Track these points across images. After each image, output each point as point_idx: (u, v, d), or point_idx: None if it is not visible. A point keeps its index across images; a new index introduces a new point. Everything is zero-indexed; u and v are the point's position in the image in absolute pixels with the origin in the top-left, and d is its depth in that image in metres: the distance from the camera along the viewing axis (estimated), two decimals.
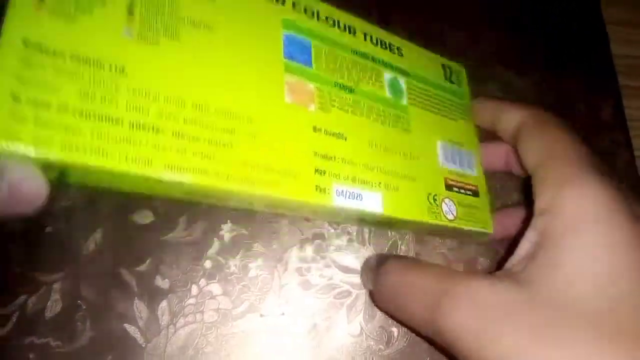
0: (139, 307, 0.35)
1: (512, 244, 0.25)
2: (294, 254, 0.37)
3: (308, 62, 0.30)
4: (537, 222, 0.23)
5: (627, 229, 0.20)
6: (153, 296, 0.35)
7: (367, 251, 0.38)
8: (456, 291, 0.22)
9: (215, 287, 0.36)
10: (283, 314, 0.36)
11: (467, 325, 0.21)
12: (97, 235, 0.36)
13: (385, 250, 0.38)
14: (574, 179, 0.22)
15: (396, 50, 0.35)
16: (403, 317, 0.27)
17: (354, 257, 0.38)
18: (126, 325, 0.34)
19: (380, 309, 0.31)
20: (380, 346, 0.36)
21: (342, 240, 0.38)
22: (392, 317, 0.28)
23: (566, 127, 0.27)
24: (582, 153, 0.24)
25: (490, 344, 0.20)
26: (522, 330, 0.20)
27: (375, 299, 0.30)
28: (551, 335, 0.19)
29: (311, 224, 0.38)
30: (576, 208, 0.21)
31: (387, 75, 0.34)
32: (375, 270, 0.29)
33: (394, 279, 0.27)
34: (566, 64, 0.46)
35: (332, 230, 0.38)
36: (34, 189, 0.20)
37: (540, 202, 0.23)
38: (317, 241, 0.38)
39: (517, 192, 0.42)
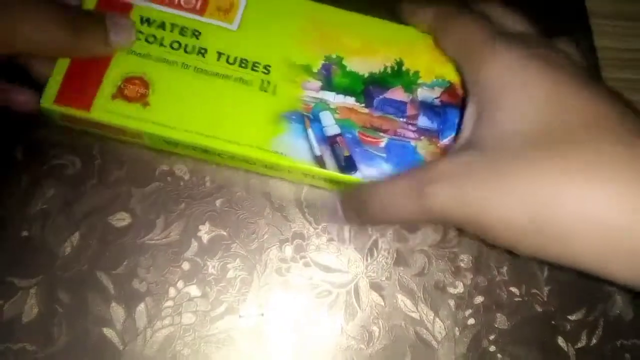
0: (116, 311, 0.34)
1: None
2: (273, 254, 0.37)
3: None
4: (471, 98, 0.28)
5: (541, 79, 0.25)
6: (130, 299, 0.35)
7: (348, 250, 0.37)
8: (431, 177, 0.26)
9: (193, 289, 0.35)
10: (262, 314, 0.35)
11: (449, 198, 0.25)
12: (74, 239, 0.36)
13: (366, 248, 0.38)
14: (492, 53, 0.27)
15: None
16: (398, 220, 0.32)
17: (335, 257, 0.37)
18: (103, 329, 0.34)
19: (376, 225, 0.34)
20: (362, 345, 0.35)
21: (322, 240, 0.38)
22: (387, 225, 0.33)
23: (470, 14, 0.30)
24: (490, 31, 0.28)
25: (468, 203, 0.24)
26: (482, 180, 0.24)
27: (368, 221, 0.33)
28: (500, 172, 0.24)
29: (291, 223, 0.37)
30: (498, 77, 0.26)
31: None
32: (357, 199, 0.31)
33: (378, 197, 0.29)
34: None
35: (312, 230, 0.38)
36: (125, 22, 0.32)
37: (468, 80, 0.29)
38: (297, 241, 0.37)
39: None
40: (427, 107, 0.34)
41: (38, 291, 0.34)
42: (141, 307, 0.35)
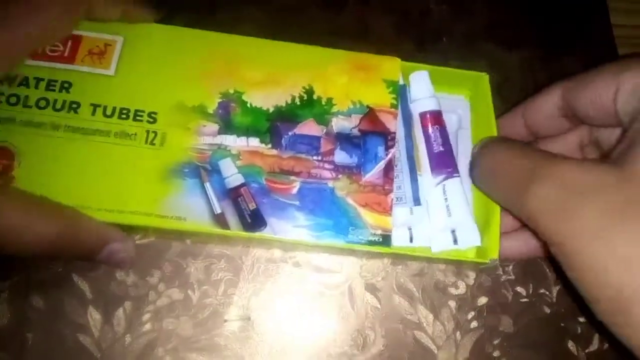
0: (93, 316, 0.32)
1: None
2: (260, 254, 0.34)
3: None
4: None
5: None
6: (108, 303, 0.33)
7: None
8: (545, 171, 0.22)
9: (175, 292, 0.33)
10: (249, 318, 0.33)
11: (549, 201, 0.21)
12: None
13: None
14: None
15: None
16: (496, 196, 0.27)
17: (327, 256, 0.35)
18: (79, 336, 0.32)
19: (479, 189, 0.29)
20: (355, 351, 0.33)
21: None
22: (488, 196, 0.28)
23: None
24: None
25: (570, 218, 0.20)
26: (606, 207, 0.20)
27: (474, 179, 0.30)
28: (636, 212, 0.19)
29: None
30: None
31: None
32: (477, 151, 0.29)
33: (490, 160, 0.27)
34: (561, 39, 0.43)
35: None
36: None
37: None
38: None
39: None
40: (344, 140, 0.30)
41: (10, 295, 0.32)
42: (119, 312, 0.32)
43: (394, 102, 0.31)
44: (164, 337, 0.32)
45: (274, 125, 0.30)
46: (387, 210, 0.29)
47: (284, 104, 0.30)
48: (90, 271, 0.33)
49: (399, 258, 0.34)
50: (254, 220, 0.28)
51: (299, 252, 0.34)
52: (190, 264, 0.34)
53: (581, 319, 0.35)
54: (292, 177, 0.29)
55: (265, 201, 0.28)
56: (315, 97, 0.30)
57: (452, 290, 0.35)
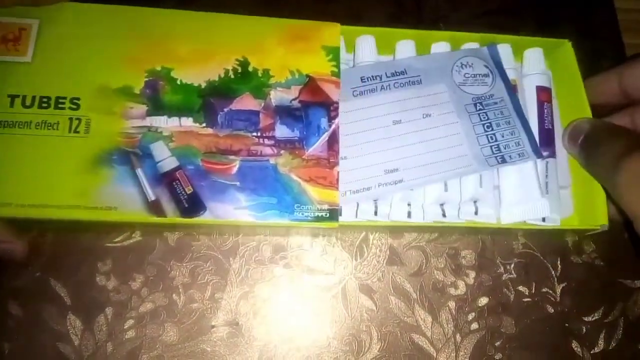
0: (73, 323, 0.31)
1: None
2: (249, 255, 0.33)
3: None
4: None
5: None
6: (88, 310, 0.31)
7: (334, 248, 0.33)
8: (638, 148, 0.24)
9: (159, 297, 0.31)
10: (238, 323, 0.31)
11: (637, 175, 0.24)
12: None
13: (355, 246, 0.33)
14: None
15: None
16: (592, 170, 0.29)
17: (319, 257, 0.33)
18: (59, 344, 0.30)
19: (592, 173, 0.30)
20: (350, 356, 0.31)
21: (305, 238, 0.33)
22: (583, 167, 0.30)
23: None
24: None
25: None
26: None
27: (591, 166, 0.30)
28: None
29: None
30: None
31: None
32: (591, 141, 0.29)
33: (594, 129, 0.28)
34: (562, 24, 0.41)
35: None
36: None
37: None
38: (277, 239, 0.33)
39: None
40: (284, 113, 0.28)
41: None
42: (101, 318, 0.31)
43: (335, 69, 0.29)
44: (148, 344, 0.31)
45: (208, 101, 0.28)
46: (333, 184, 0.27)
47: (217, 79, 0.28)
48: (69, 276, 0.31)
49: (499, 233, 0.34)
50: (192, 205, 0.26)
51: (289, 252, 0.33)
52: (174, 267, 0.32)
53: (586, 318, 0.33)
54: (231, 157, 0.27)
55: (203, 184, 0.26)
56: (250, 69, 0.28)
57: (452, 291, 0.33)
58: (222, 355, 0.31)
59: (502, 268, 0.34)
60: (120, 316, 0.31)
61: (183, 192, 0.26)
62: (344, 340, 0.32)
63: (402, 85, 0.31)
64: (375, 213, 0.29)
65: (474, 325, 0.33)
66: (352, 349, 0.32)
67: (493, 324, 0.33)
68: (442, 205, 0.30)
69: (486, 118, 0.31)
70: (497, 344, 0.32)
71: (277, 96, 0.28)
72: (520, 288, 0.34)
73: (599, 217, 0.29)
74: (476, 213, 0.30)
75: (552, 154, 0.31)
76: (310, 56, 0.29)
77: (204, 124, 0.27)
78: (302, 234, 0.33)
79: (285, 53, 0.29)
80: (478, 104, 0.31)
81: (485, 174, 0.30)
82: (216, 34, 0.29)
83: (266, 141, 0.27)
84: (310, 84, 0.29)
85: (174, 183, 0.26)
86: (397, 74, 0.31)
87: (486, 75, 0.32)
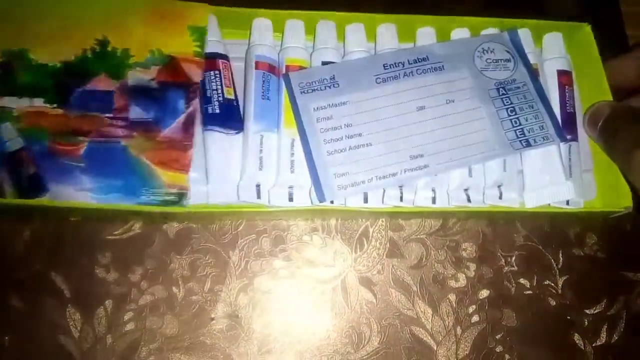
0: (73, 316, 0.31)
1: None
2: (249, 248, 0.33)
3: None
4: None
5: None
6: (88, 303, 0.31)
7: (334, 241, 0.33)
8: None
9: (158, 290, 0.31)
10: (237, 316, 0.31)
11: None
12: (26, 235, 0.32)
13: (355, 238, 0.33)
14: None
15: None
16: (611, 153, 0.29)
17: (319, 249, 0.33)
18: (59, 336, 0.30)
19: (611, 156, 0.30)
20: (350, 349, 0.31)
21: (304, 230, 0.33)
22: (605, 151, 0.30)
23: None
24: None
25: None
26: None
27: (610, 150, 0.30)
28: None
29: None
30: None
31: None
32: (609, 126, 0.29)
33: (608, 130, 0.29)
34: (565, 16, 0.40)
35: (293, 220, 0.33)
36: None
37: None
38: (276, 232, 0.33)
39: None
40: (140, 94, 0.28)
41: None
42: (100, 311, 0.31)
43: (198, 49, 0.29)
44: (148, 336, 0.31)
45: (62, 82, 0.27)
46: (184, 167, 0.27)
47: (73, 59, 0.28)
48: (69, 269, 0.31)
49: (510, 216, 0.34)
50: (32, 186, 0.26)
51: (288, 245, 0.33)
52: (174, 260, 0.32)
53: (588, 311, 0.33)
54: (80, 138, 0.27)
55: (47, 165, 0.26)
56: (109, 49, 0.28)
57: (452, 283, 0.33)
58: (222, 347, 0.31)
59: (503, 260, 0.34)
60: (120, 308, 0.31)
61: (25, 173, 0.26)
62: (343, 333, 0.32)
63: (424, 71, 0.31)
64: (401, 199, 0.29)
65: (475, 318, 0.32)
66: (352, 341, 0.31)
67: (494, 316, 0.33)
68: (466, 190, 0.30)
69: (509, 103, 0.31)
70: (498, 336, 0.32)
71: (134, 76, 0.28)
72: (522, 280, 0.33)
73: (623, 200, 0.29)
74: (500, 197, 0.30)
75: (575, 138, 0.31)
76: (174, 36, 0.28)
77: (55, 105, 0.27)
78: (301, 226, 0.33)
79: (147, 32, 0.28)
80: (501, 89, 0.31)
81: (509, 159, 0.30)
82: (78, 13, 0.28)
83: (119, 122, 0.27)
84: (170, 64, 0.28)
85: (18, 164, 0.26)
86: (419, 60, 0.31)
87: (508, 60, 0.32)
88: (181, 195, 0.27)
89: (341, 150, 0.29)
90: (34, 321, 0.30)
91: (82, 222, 0.32)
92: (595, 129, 0.30)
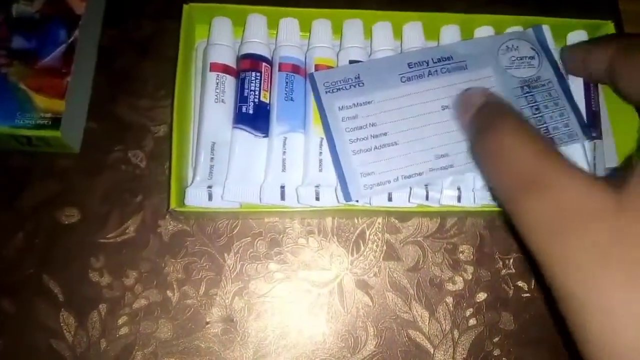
0: (67, 320, 0.30)
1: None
2: (244, 251, 0.32)
3: None
4: None
5: None
6: (82, 307, 0.31)
7: (330, 244, 0.33)
8: (546, 181, 0.20)
9: (153, 293, 0.31)
10: (233, 320, 0.31)
11: (540, 221, 0.19)
12: (17, 239, 0.31)
13: (352, 241, 0.33)
14: None
15: None
16: (492, 180, 0.24)
17: (315, 252, 0.33)
18: (52, 341, 0.30)
19: (474, 160, 0.27)
20: (346, 353, 0.31)
21: (301, 233, 0.33)
22: (482, 172, 0.26)
23: None
24: None
25: (560, 243, 0.19)
26: (596, 241, 0.18)
27: (474, 150, 0.26)
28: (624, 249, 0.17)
29: (264, 215, 0.33)
30: None
31: None
32: (483, 118, 0.26)
33: (499, 139, 0.23)
34: (564, 14, 0.40)
35: (289, 222, 0.33)
36: None
37: None
38: (272, 235, 0.33)
39: None
40: (23, 25, 0.31)
41: None
42: (94, 315, 0.31)
43: None
44: (142, 340, 0.30)
45: None
46: (60, 94, 0.30)
47: None
48: (62, 272, 0.31)
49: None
50: None
51: (284, 248, 0.32)
52: (168, 263, 0.32)
53: None
54: None
55: None
56: None
57: (449, 286, 0.33)
58: (217, 351, 0.30)
59: (500, 263, 0.33)
60: (114, 312, 0.31)
61: None
62: (339, 337, 0.31)
63: (448, 70, 0.30)
64: (427, 198, 0.29)
65: (472, 321, 0.32)
66: (348, 345, 0.31)
67: (491, 319, 0.32)
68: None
69: (534, 101, 0.30)
70: (496, 339, 0.32)
71: (19, 9, 0.31)
72: (519, 283, 0.33)
73: None
74: None
75: (599, 136, 0.31)
76: None
77: None
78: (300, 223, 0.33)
79: None
80: (525, 87, 0.31)
81: None
82: None
83: (2, 51, 0.30)
84: None
85: None
86: (443, 59, 0.31)
87: (532, 58, 0.31)
88: (55, 120, 0.29)
89: (367, 150, 0.29)
90: (27, 325, 0.30)
91: (76, 224, 0.32)
92: (464, 117, 0.27)
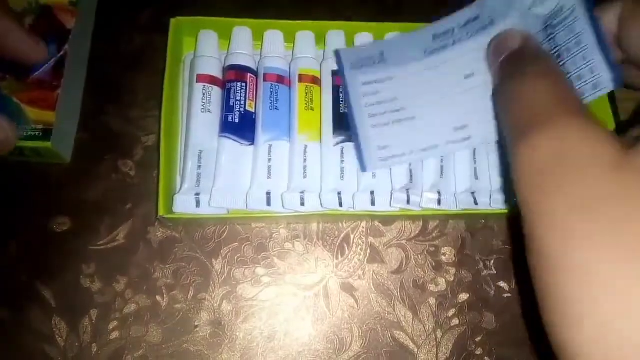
0: (59, 325, 0.31)
1: None
2: (232, 256, 0.33)
3: None
4: None
5: None
6: (74, 312, 0.31)
7: (316, 248, 0.34)
8: (554, 118, 0.18)
9: (142, 299, 0.32)
10: (221, 323, 0.32)
11: (535, 162, 0.18)
12: (11, 247, 0.32)
13: (336, 245, 0.34)
14: None
15: None
16: (503, 121, 0.22)
17: (301, 256, 0.33)
18: (45, 346, 0.31)
19: (494, 106, 0.26)
20: (332, 354, 0.32)
21: (287, 238, 0.34)
22: (498, 118, 0.24)
23: None
24: None
25: (546, 193, 0.17)
26: (588, 194, 0.16)
27: (497, 94, 0.25)
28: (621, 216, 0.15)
29: (252, 221, 0.33)
30: None
31: None
32: (515, 63, 0.24)
33: (523, 82, 0.21)
34: None
35: (275, 227, 0.34)
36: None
37: None
38: (259, 240, 0.34)
39: None
40: None
41: None
42: (85, 320, 0.31)
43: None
44: (133, 345, 0.31)
45: None
46: (51, 106, 0.31)
47: None
48: (54, 279, 0.32)
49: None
50: None
51: (270, 252, 0.33)
52: (157, 269, 0.32)
53: None
54: None
55: None
56: None
57: (432, 287, 0.34)
58: (205, 354, 0.31)
59: (482, 264, 0.34)
60: (105, 317, 0.31)
61: None
62: (325, 338, 0.32)
63: (474, 33, 0.29)
64: (408, 202, 0.30)
65: (455, 321, 0.33)
66: (334, 346, 0.32)
67: (474, 319, 0.33)
68: (473, 193, 0.32)
69: (555, 45, 0.27)
70: (478, 339, 0.33)
71: None
72: (501, 284, 0.34)
73: None
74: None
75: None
76: None
77: None
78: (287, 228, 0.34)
79: None
80: (548, 28, 0.27)
81: None
82: None
83: None
84: (45, 14, 0.33)
85: None
86: (470, 21, 0.29)
87: None
88: (45, 132, 0.31)
89: (385, 124, 0.30)
90: (20, 331, 0.31)
91: (67, 232, 0.32)
92: (496, 60, 0.26)
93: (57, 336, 0.31)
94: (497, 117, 0.26)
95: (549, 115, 0.19)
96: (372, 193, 0.30)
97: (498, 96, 0.24)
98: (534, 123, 0.19)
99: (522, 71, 0.22)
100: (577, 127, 0.18)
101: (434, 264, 0.34)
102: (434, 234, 0.35)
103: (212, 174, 0.31)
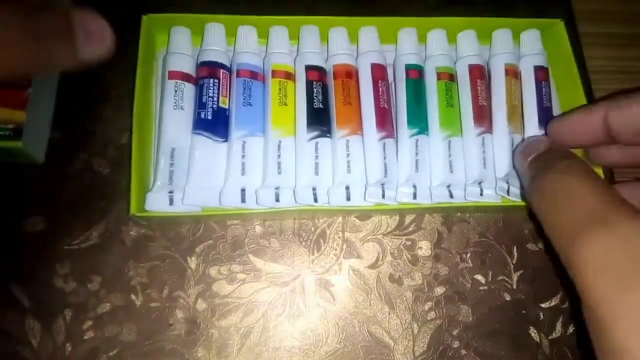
0: (32, 326, 0.31)
1: None
2: (208, 254, 0.33)
3: None
4: None
5: None
6: (47, 312, 0.31)
7: (291, 243, 0.34)
8: (612, 219, 0.19)
9: (117, 298, 0.32)
10: (196, 321, 0.32)
11: (604, 263, 0.18)
12: None
13: (312, 240, 0.34)
14: None
15: None
16: (548, 221, 0.22)
17: (276, 252, 0.33)
18: (18, 347, 0.31)
19: (529, 205, 0.26)
20: (307, 349, 0.32)
21: (263, 235, 0.34)
22: (537, 218, 0.23)
23: None
24: None
25: (613, 299, 0.17)
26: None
27: (529, 192, 0.25)
28: None
29: (227, 218, 0.33)
30: None
31: None
32: (545, 160, 0.25)
33: (560, 179, 0.22)
34: (516, 15, 0.41)
35: (250, 224, 0.34)
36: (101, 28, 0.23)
37: None
38: (234, 237, 0.33)
39: None
40: None
41: None
42: (59, 320, 0.31)
43: None
44: (107, 344, 0.31)
45: None
46: (21, 105, 0.31)
47: None
48: (27, 279, 0.32)
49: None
50: None
51: (246, 249, 0.33)
52: (132, 267, 0.32)
53: (543, 305, 0.34)
54: None
55: None
56: None
57: (408, 281, 0.34)
58: (181, 352, 0.31)
59: (458, 258, 0.34)
60: (79, 317, 0.31)
61: None
62: (302, 334, 0.32)
63: None
64: (383, 196, 0.30)
65: (431, 315, 0.33)
66: (310, 342, 0.32)
67: (450, 312, 0.33)
68: (448, 187, 0.32)
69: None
70: (455, 332, 0.33)
71: None
72: (477, 277, 0.34)
73: None
74: (481, 194, 0.32)
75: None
76: None
77: None
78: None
79: None
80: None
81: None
82: None
83: None
84: None
85: None
86: None
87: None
88: (16, 131, 0.30)
89: None
90: None
91: (41, 232, 0.32)
92: (525, 161, 0.27)
93: (30, 337, 0.31)
94: (532, 213, 0.26)
95: (601, 216, 0.19)
96: (347, 188, 0.30)
97: (532, 194, 0.24)
98: (587, 227, 0.19)
99: (554, 168, 0.23)
100: (635, 223, 0.19)
101: (410, 258, 0.34)
102: (410, 228, 0.35)
103: (185, 171, 0.31)
